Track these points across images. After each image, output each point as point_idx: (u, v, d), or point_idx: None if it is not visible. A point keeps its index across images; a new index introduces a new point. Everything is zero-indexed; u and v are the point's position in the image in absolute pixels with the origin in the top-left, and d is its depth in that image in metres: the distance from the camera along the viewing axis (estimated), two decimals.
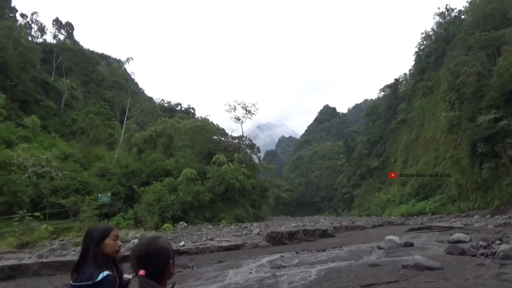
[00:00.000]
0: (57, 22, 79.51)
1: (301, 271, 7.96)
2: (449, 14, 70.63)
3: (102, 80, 75.52)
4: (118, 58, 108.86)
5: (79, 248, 8.88)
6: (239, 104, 50.09)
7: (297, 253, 11.79)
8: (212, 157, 40.73)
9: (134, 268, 1.76)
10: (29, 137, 37.04)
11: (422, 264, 7.01)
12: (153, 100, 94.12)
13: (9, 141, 31.88)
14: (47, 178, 26.23)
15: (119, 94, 66.07)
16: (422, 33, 78.89)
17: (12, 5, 67.46)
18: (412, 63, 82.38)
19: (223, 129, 53.84)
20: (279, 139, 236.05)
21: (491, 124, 31.79)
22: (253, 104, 50.50)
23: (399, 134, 73.64)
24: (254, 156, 56.02)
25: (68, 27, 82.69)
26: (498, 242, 10.28)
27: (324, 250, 12.08)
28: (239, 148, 49.80)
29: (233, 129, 58.77)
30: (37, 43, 64.25)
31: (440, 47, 65.81)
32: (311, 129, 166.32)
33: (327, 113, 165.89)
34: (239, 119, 50.74)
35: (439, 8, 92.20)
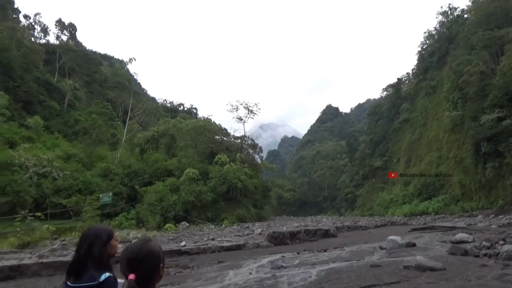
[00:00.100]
0: (60, 23, 79.88)
1: (301, 271, 7.90)
2: (452, 13, 70.39)
3: (105, 81, 75.74)
4: (121, 58, 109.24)
5: None
6: (241, 104, 50.18)
7: (298, 253, 11.74)
8: (214, 157, 40.74)
9: (124, 271, 1.73)
10: (32, 138, 37.19)
11: (424, 265, 6.93)
12: (156, 100, 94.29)
13: (12, 142, 31.96)
14: (50, 178, 26.30)
15: (121, 95, 66.22)
16: (425, 32, 78.91)
17: (15, 6, 67.84)
18: (415, 62, 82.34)
19: (225, 129, 53.91)
20: (281, 139, 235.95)
21: (494, 123, 31.63)
22: (255, 104, 50.63)
23: (402, 133, 73.42)
24: (256, 156, 56.05)
25: (71, 28, 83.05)
26: (501, 242, 10.19)
27: (325, 251, 12.01)
28: (241, 148, 49.81)
29: (236, 129, 58.78)
30: (40, 44, 64.53)
31: (443, 46, 65.57)
32: (313, 129, 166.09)
33: (330, 113, 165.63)
34: (241, 119, 50.83)
35: (442, 7, 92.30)
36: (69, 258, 9.95)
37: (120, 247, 2.22)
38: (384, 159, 76.78)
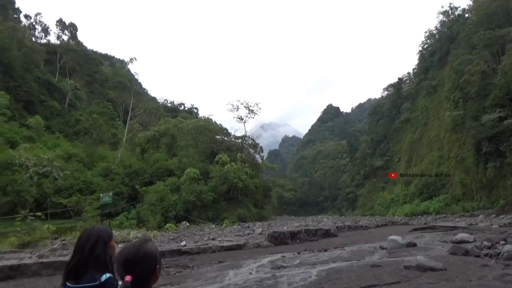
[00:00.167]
0: (60, 23, 79.90)
1: (301, 271, 7.88)
2: (453, 13, 70.23)
3: (106, 81, 75.81)
4: (121, 58, 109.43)
5: None
6: (241, 103, 50.09)
7: (298, 253, 11.71)
8: (215, 156, 40.72)
9: (120, 273, 1.72)
10: (33, 137, 37.21)
11: (424, 265, 6.90)
12: (157, 100, 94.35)
13: (13, 141, 32.00)
14: (51, 178, 26.31)
15: (122, 94, 66.24)
16: (425, 32, 78.74)
17: (16, 6, 67.78)
18: (416, 62, 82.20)
19: (226, 129, 53.90)
20: (282, 139, 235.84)
21: (495, 123, 31.55)
22: (256, 104, 50.52)
23: (403, 133, 73.33)
24: (257, 156, 56.02)
25: (72, 28, 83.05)
26: (502, 242, 10.15)
27: (326, 250, 11.99)
28: (242, 148, 49.79)
29: (236, 129, 58.81)
30: (41, 44, 64.60)
31: (444, 46, 65.46)
32: (314, 129, 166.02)
33: (331, 112, 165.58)
34: (242, 119, 50.74)
35: (443, 7, 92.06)
36: (68, 258, 9.95)
37: (119, 247, 2.20)
38: (385, 159, 76.70)
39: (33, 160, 22.84)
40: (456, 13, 69.10)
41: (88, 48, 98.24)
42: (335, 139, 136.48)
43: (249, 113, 50.49)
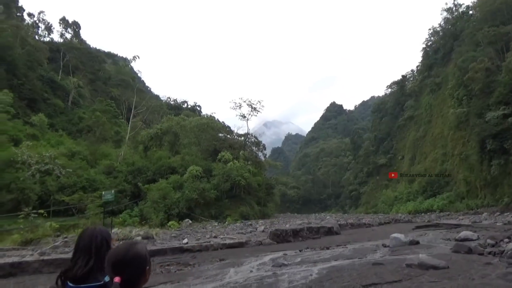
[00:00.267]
0: (64, 21, 80.00)
1: (302, 269, 7.83)
2: (456, 10, 69.70)
3: (109, 79, 75.92)
4: (124, 56, 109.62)
5: None
6: (244, 101, 49.97)
7: (300, 251, 11.66)
8: (217, 154, 40.69)
9: (109, 274, 1.71)
10: (36, 135, 37.33)
11: (426, 263, 6.83)
12: (160, 98, 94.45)
13: (17, 139, 32.11)
14: (54, 176, 26.42)
15: (125, 92, 66.28)
16: (429, 29, 78.36)
17: (20, 4, 67.94)
18: (420, 59, 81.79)
19: (228, 127, 53.85)
20: (285, 137, 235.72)
21: (500, 120, 31.34)
22: (259, 102, 50.34)
23: (407, 131, 73.00)
24: (260, 154, 55.87)
25: (75, 26, 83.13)
26: (506, 240, 10.06)
27: (328, 248, 11.94)
28: (244, 146, 49.69)
29: (239, 127, 59.09)
30: (44, 42, 64.65)
31: (448, 43, 65.02)
32: (317, 126, 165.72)
33: (334, 110, 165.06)
34: (245, 117, 50.61)
35: (446, 4, 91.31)
36: (70, 255, 9.96)
37: None
38: (389, 157, 76.42)
39: (35, 158, 22.92)
40: (460, 10, 68.57)
41: (91, 46, 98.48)
42: (338, 137, 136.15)
43: (252, 110, 50.39)
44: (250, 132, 54.38)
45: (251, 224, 26.45)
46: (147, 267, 1.74)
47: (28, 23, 68.21)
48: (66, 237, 14.43)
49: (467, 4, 67.55)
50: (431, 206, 43.34)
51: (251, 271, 8.18)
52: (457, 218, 29.05)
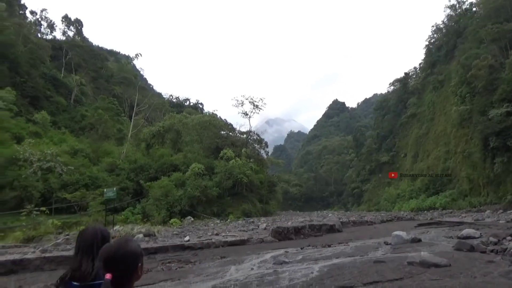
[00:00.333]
0: (66, 18, 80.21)
1: (303, 267, 7.81)
2: (460, 7, 69.22)
3: (111, 76, 76.02)
4: (127, 54, 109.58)
5: None
6: (246, 99, 49.97)
7: (301, 248, 11.63)
8: (220, 152, 40.74)
9: (101, 271, 1.73)
10: (39, 133, 37.43)
11: (428, 261, 6.80)
12: (162, 95, 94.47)
13: (20, 137, 32.22)
14: (56, 173, 26.50)
15: (127, 90, 66.33)
16: (432, 26, 77.86)
17: (22, 2, 68.11)
18: (423, 56, 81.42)
19: (231, 124, 53.95)
20: (288, 134, 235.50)
21: (503, 118, 31.17)
22: (261, 99, 50.38)
23: (409, 128, 72.76)
24: (262, 151, 55.95)
25: (77, 24, 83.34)
26: (509, 238, 10.00)
27: (329, 246, 11.90)
28: (247, 143, 49.73)
29: (241, 124, 58.86)
30: (46, 40, 64.79)
31: (451, 40, 64.62)
32: (320, 124, 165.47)
33: (336, 107, 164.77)
34: (247, 114, 50.65)
35: (450, 1, 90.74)
36: (71, 252, 9.97)
37: None
38: (391, 154, 76.22)
39: (37, 155, 22.98)
40: (464, 7, 68.03)
41: (93, 44, 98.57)
42: (340, 135, 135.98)
43: (254, 108, 50.42)
44: (252, 129, 54.49)
45: (253, 222, 26.46)
46: (139, 264, 1.74)
47: (30, 21, 68.46)
48: (68, 235, 14.47)
49: (471, 1, 66.98)
50: (434, 204, 43.20)
51: (252, 269, 8.16)
52: (459, 215, 28.90)
